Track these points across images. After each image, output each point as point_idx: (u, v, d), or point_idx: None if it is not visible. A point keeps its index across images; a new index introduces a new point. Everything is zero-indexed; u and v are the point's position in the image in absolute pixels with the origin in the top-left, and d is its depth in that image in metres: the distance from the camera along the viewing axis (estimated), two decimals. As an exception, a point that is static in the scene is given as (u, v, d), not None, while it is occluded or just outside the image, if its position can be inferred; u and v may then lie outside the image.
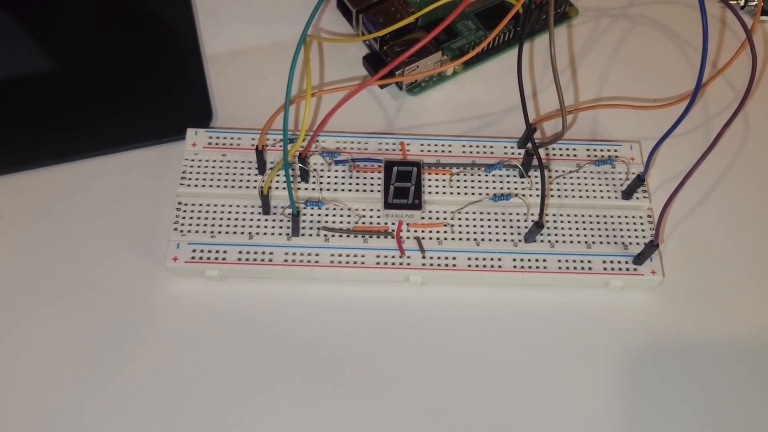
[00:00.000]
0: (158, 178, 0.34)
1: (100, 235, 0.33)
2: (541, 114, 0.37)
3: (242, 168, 0.33)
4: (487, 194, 0.33)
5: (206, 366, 0.30)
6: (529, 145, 0.32)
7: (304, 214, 0.32)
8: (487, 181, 0.33)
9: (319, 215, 0.32)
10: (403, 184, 0.32)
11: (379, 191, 0.33)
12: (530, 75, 0.39)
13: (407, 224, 0.32)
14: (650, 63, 0.39)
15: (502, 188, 0.33)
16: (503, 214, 0.33)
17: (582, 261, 0.32)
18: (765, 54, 0.40)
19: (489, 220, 0.33)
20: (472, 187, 0.33)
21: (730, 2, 0.41)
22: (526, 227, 0.32)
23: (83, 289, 0.31)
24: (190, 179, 0.33)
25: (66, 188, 0.34)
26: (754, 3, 0.40)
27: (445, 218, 0.32)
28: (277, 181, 0.33)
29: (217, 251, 0.31)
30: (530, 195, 0.33)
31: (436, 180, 0.33)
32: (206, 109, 0.36)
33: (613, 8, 0.41)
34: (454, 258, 0.32)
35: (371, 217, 0.32)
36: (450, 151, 0.34)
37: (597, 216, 0.33)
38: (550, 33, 0.28)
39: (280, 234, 0.32)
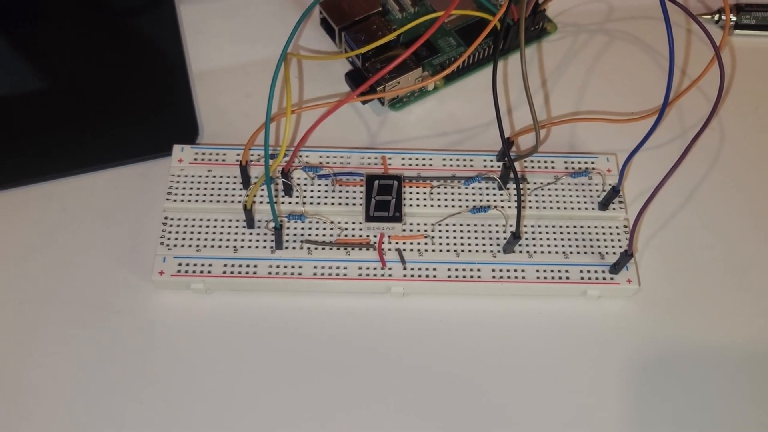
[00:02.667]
0: (145, 193, 0.35)
1: (87, 249, 0.33)
2: (520, 128, 0.38)
3: (227, 183, 0.34)
4: (467, 206, 0.34)
5: (193, 378, 0.31)
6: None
7: (288, 228, 0.33)
8: (466, 194, 0.34)
9: (302, 228, 0.33)
10: (384, 197, 0.33)
11: (360, 204, 0.34)
12: (510, 90, 0.39)
13: (388, 236, 0.33)
14: (628, 77, 0.40)
15: (481, 200, 0.34)
16: (482, 225, 0.33)
17: (560, 271, 0.32)
18: (737, 66, 0.41)
19: (468, 231, 0.33)
20: (452, 200, 0.34)
21: (704, 17, 0.42)
22: (504, 238, 0.33)
23: (71, 302, 0.32)
24: (176, 194, 0.33)
25: (55, 204, 0.34)
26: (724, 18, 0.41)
27: (425, 230, 0.33)
28: (261, 196, 0.34)
29: (203, 265, 0.32)
30: (508, 207, 0.34)
31: (417, 193, 0.34)
32: (193, 126, 0.37)
33: (591, 24, 0.42)
34: (434, 269, 0.32)
35: (353, 229, 0.33)
36: (430, 165, 0.35)
37: (574, 227, 0.34)
38: (521, 49, 0.29)
39: (264, 247, 0.32)
